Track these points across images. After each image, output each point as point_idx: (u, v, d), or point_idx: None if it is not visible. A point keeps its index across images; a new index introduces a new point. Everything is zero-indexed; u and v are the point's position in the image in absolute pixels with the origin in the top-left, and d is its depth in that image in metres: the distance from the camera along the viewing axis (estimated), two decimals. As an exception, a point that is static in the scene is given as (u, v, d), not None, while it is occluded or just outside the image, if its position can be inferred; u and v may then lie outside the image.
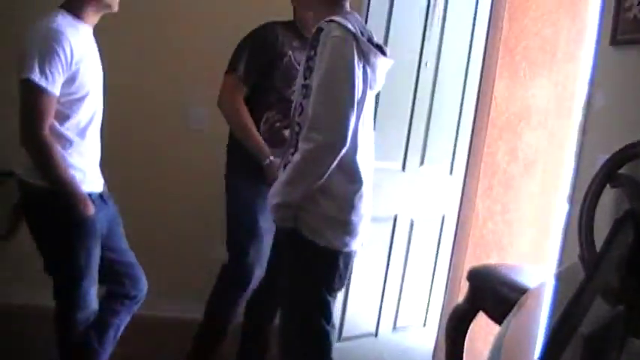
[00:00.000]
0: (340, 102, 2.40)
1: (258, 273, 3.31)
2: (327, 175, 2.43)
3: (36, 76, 2.51)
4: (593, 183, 2.52)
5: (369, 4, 3.36)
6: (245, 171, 3.30)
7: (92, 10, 2.73)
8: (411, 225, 3.77)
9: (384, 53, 2.58)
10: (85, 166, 2.74)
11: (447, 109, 3.89)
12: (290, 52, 3.29)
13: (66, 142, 2.66)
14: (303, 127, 2.45)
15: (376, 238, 3.52)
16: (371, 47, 2.48)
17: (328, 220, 2.51)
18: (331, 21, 2.46)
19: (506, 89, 4.09)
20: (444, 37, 3.71)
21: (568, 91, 4.14)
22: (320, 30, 2.45)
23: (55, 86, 2.56)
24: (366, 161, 2.57)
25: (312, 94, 2.42)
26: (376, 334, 3.82)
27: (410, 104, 3.63)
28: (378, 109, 3.32)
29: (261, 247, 3.29)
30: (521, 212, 4.21)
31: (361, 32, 2.49)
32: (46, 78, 2.53)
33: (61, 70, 2.56)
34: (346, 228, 2.54)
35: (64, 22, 2.63)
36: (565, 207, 3.18)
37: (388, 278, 3.71)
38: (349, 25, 2.44)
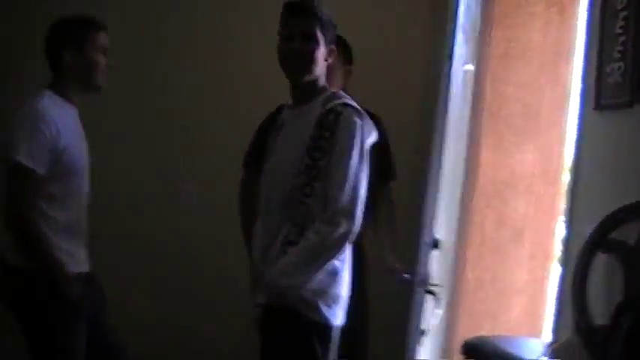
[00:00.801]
0: (361, 189, 2.45)
1: None
2: None
3: (22, 157, 2.50)
4: (583, 251, 2.50)
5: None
6: None
7: (79, 90, 2.74)
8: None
9: None
10: (71, 247, 2.70)
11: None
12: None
13: (52, 222, 2.62)
14: (311, 208, 2.43)
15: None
16: (371, 129, 2.55)
17: (321, 293, 2.46)
18: (346, 105, 2.50)
19: (492, 157, 4.10)
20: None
21: (553, 156, 4.15)
22: (335, 112, 2.47)
23: (41, 166, 2.54)
24: None
25: (332, 178, 2.43)
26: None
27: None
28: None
29: None
30: (512, 280, 4.17)
31: None
32: (32, 158, 2.51)
33: (47, 151, 2.55)
34: (337, 301, 2.50)
35: (50, 102, 2.63)
36: (558, 271, 3.15)
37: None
38: (361, 110, 2.52)
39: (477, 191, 4.06)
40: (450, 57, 3.15)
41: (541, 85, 4.14)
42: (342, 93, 2.60)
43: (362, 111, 2.52)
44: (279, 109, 3.03)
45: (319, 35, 2.50)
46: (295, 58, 2.51)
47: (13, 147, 2.52)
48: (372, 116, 2.95)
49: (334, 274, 2.49)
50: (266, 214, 2.61)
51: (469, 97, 3.95)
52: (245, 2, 4.27)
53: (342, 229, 2.40)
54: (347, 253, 2.55)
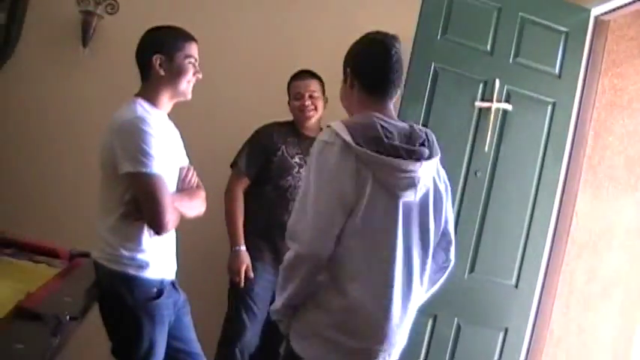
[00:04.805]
0: (314, 212, 2.25)
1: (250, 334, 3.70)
2: (310, 285, 2.32)
3: (144, 167, 2.55)
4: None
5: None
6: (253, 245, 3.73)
7: (168, 98, 2.79)
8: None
9: (417, 157, 2.34)
10: (162, 252, 2.75)
11: (508, 220, 3.84)
12: (282, 146, 3.76)
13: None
14: None
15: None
16: (373, 156, 2.27)
17: (315, 332, 2.36)
18: (328, 126, 2.38)
19: (589, 207, 4.00)
20: (502, 146, 3.81)
21: (653, 213, 4.03)
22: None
23: (159, 168, 2.60)
24: (370, 275, 2.33)
25: None
26: None
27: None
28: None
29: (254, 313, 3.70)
30: (598, 335, 4.05)
31: (386, 135, 2.30)
32: (152, 163, 2.56)
33: (159, 152, 2.60)
34: (328, 344, 2.34)
35: (142, 110, 2.68)
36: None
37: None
38: (342, 133, 2.28)
39: (569, 240, 3.97)
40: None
41: (646, 137, 4.05)
42: (372, 115, 2.37)
43: (342, 134, 2.27)
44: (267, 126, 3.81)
45: None
46: None
47: (133, 160, 2.55)
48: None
49: (332, 314, 2.34)
50: None
51: (568, 144, 3.91)
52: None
53: (289, 254, 2.31)
54: (343, 285, 2.32)
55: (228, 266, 3.71)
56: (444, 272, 2.57)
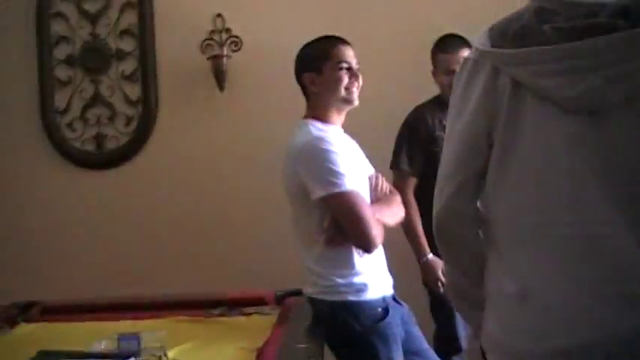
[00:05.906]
0: (444, 158, 1.76)
1: None
2: (458, 261, 1.79)
3: (336, 187, 2.45)
4: None
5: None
6: None
7: (335, 111, 2.66)
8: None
9: (583, 34, 1.46)
10: (376, 269, 2.62)
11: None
12: (441, 133, 3.28)
13: None
14: None
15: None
16: (508, 53, 1.55)
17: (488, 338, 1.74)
18: None
19: None
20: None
21: None
22: None
23: (352, 183, 2.48)
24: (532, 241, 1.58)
25: None
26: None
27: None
28: None
29: None
30: None
31: (542, 19, 1.51)
32: (343, 181, 2.45)
33: (347, 168, 2.49)
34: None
35: (315, 129, 2.58)
36: None
37: None
38: (480, 39, 1.63)
39: None
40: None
41: None
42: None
43: (476, 43, 1.66)
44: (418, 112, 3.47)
45: None
46: None
47: (328, 183, 2.45)
48: None
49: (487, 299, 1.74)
50: None
51: None
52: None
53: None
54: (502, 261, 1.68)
55: (422, 281, 3.44)
56: None
